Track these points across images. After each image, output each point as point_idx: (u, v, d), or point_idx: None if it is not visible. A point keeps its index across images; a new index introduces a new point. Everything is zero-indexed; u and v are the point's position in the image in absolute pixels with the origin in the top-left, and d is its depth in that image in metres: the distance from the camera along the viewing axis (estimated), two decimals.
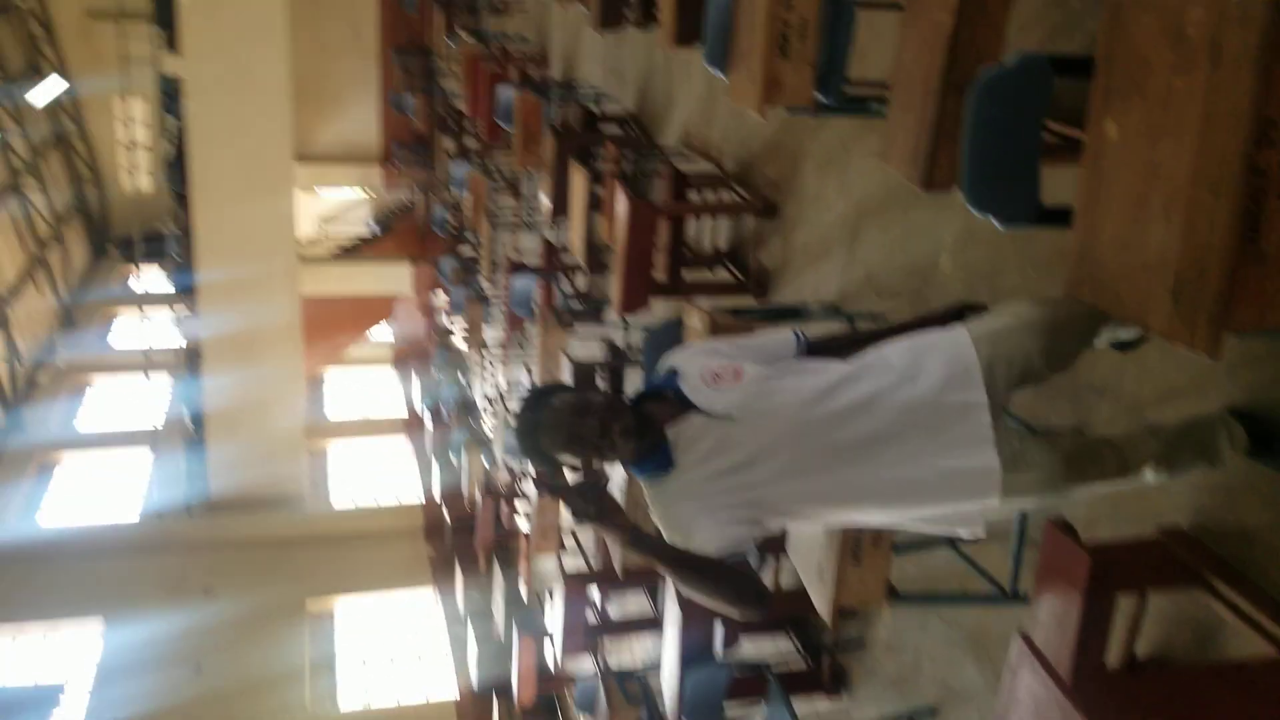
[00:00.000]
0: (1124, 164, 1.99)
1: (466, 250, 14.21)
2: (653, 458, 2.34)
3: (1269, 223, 1.80)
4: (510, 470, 11.78)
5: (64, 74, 21.79)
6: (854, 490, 2.32)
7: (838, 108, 3.88)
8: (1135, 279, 1.96)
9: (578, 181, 6.63)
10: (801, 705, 4.76)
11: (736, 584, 2.26)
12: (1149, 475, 2.51)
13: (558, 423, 2.29)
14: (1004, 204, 2.48)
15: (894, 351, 2.40)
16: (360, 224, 22.15)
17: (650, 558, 2.23)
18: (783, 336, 2.53)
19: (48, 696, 12.49)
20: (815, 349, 2.52)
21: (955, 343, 2.38)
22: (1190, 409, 2.81)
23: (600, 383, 7.07)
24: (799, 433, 2.29)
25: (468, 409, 14.10)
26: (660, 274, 6.04)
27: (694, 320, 4.66)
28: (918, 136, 2.81)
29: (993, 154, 2.45)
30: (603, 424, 2.27)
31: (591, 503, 2.18)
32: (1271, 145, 1.77)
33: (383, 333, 22.13)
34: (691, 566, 2.25)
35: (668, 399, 2.39)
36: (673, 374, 2.44)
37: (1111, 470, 2.47)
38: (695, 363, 2.42)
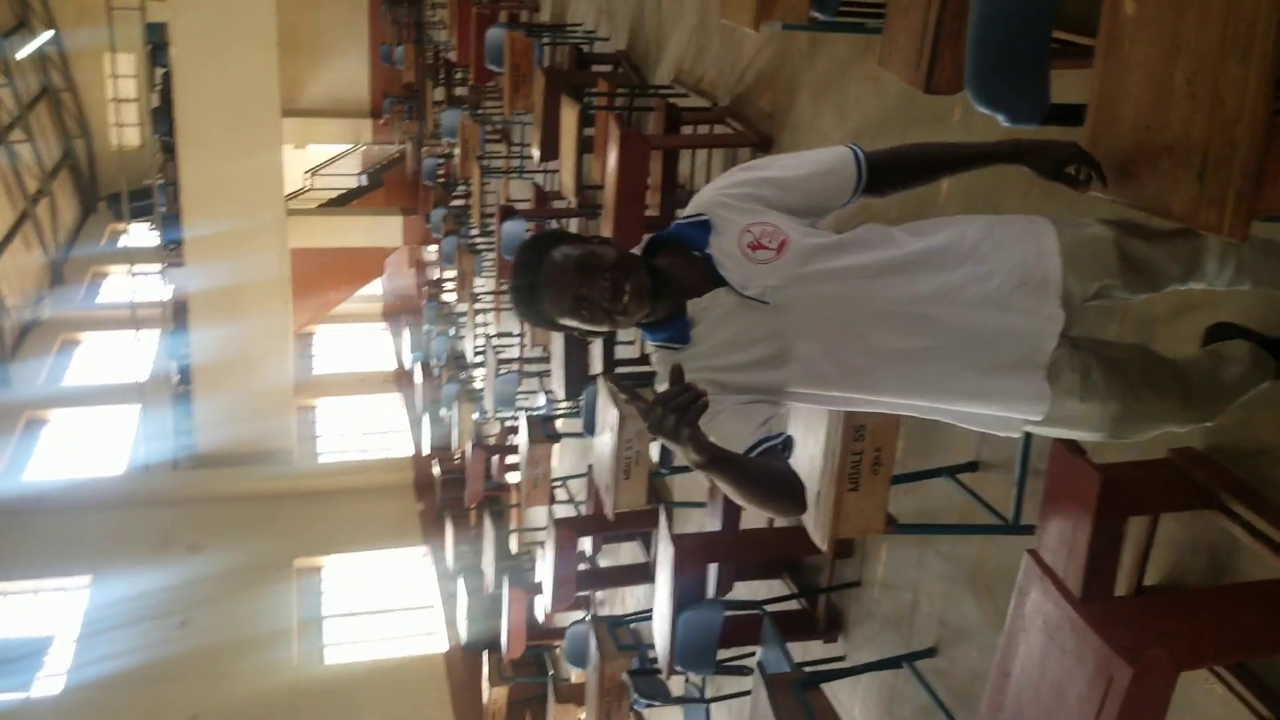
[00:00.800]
0: (1143, 41, 1.85)
1: (457, 201, 14.03)
2: (667, 325, 2.04)
3: None
4: (502, 422, 11.68)
5: (52, 27, 21.49)
6: (889, 391, 2.08)
7: (834, 24, 3.72)
8: (1156, 163, 1.82)
9: (569, 119, 6.45)
10: (797, 650, 4.67)
11: (794, 487, 2.00)
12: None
13: (562, 282, 1.92)
14: (1012, 100, 2.31)
15: (970, 234, 2.08)
16: (350, 176, 21.94)
17: (721, 475, 1.88)
18: (841, 167, 2.09)
19: (36, 649, 12.41)
20: (877, 170, 2.11)
21: (1040, 245, 2.08)
22: (1204, 321, 2.67)
23: None
24: (842, 333, 2.01)
25: (458, 362, 13.96)
26: (653, 212, 5.91)
27: None
28: (920, 36, 2.65)
29: (1000, 45, 2.29)
30: (615, 285, 1.92)
31: (687, 424, 1.75)
32: None
33: (372, 289, 21.98)
34: (757, 480, 1.95)
35: (693, 258, 2.03)
36: (703, 225, 2.04)
37: (1165, 415, 2.23)
38: (732, 218, 2.03)
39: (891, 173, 2.15)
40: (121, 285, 20.07)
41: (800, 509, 2.01)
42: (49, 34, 21.10)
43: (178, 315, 16.86)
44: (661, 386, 1.99)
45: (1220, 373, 2.36)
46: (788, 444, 2.05)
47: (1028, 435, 3.08)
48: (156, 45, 17.18)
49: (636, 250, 2.08)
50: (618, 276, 1.92)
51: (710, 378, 2.00)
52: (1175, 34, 1.77)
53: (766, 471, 1.99)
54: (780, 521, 5.25)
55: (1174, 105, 1.78)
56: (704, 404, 1.76)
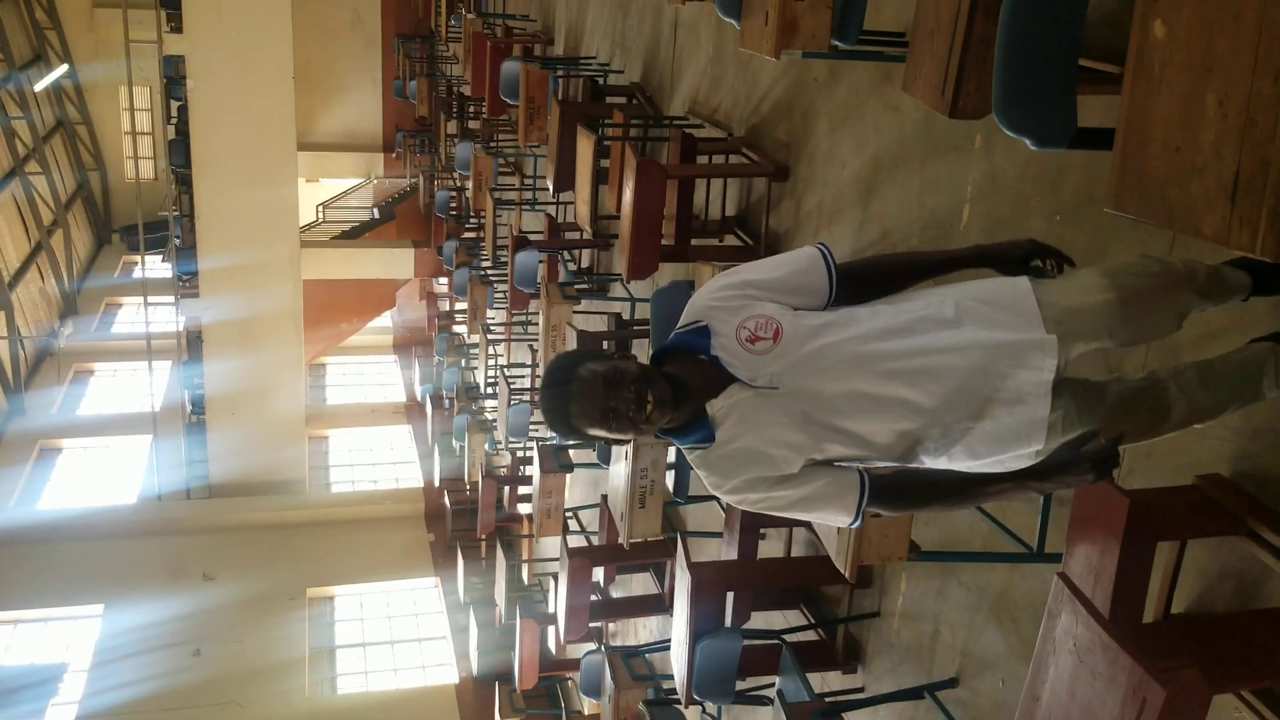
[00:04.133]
0: (1174, 64, 1.86)
1: (469, 233, 14.09)
2: (690, 429, 2.17)
3: None
4: (513, 453, 11.66)
5: (69, 61, 21.72)
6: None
7: (855, 53, 3.75)
8: (1187, 185, 1.82)
9: (584, 150, 6.48)
10: (815, 681, 4.63)
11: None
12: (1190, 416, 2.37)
13: (590, 395, 2.06)
14: (1039, 124, 2.34)
15: (948, 306, 2.18)
16: (362, 210, 22.06)
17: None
18: (812, 266, 2.20)
19: (50, 676, 12.37)
20: (853, 279, 2.24)
21: (1026, 317, 2.17)
22: (1228, 347, 2.67)
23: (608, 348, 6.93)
24: (854, 397, 2.14)
25: (470, 393, 13.98)
26: (669, 241, 5.93)
27: (705, 279, 4.53)
28: (945, 61, 2.67)
29: (1028, 69, 2.31)
30: (639, 395, 2.05)
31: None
32: None
33: (383, 321, 22.04)
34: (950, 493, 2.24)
35: (700, 361, 2.16)
36: (702, 331, 2.17)
37: (1146, 423, 2.36)
38: (727, 319, 2.16)
39: (868, 282, 2.27)
40: (135, 316, 20.17)
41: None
42: (64, 67, 21.32)
43: (191, 346, 16.91)
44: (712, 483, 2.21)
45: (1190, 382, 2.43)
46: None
47: None
48: (173, 78, 17.34)
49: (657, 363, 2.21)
50: (641, 388, 2.06)
51: (743, 454, 2.15)
52: (1206, 56, 1.77)
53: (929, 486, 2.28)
54: (798, 550, 5.24)
55: (1205, 127, 1.78)
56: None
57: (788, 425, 2.12)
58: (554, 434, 2.19)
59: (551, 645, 9.83)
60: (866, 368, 2.11)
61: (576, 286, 8.42)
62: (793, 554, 5.27)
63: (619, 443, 2.25)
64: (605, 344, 6.86)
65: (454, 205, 14.81)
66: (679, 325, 2.23)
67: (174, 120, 17.92)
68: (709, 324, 2.17)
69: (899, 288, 2.30)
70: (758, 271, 2.23)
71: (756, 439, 2.13)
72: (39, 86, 19.86)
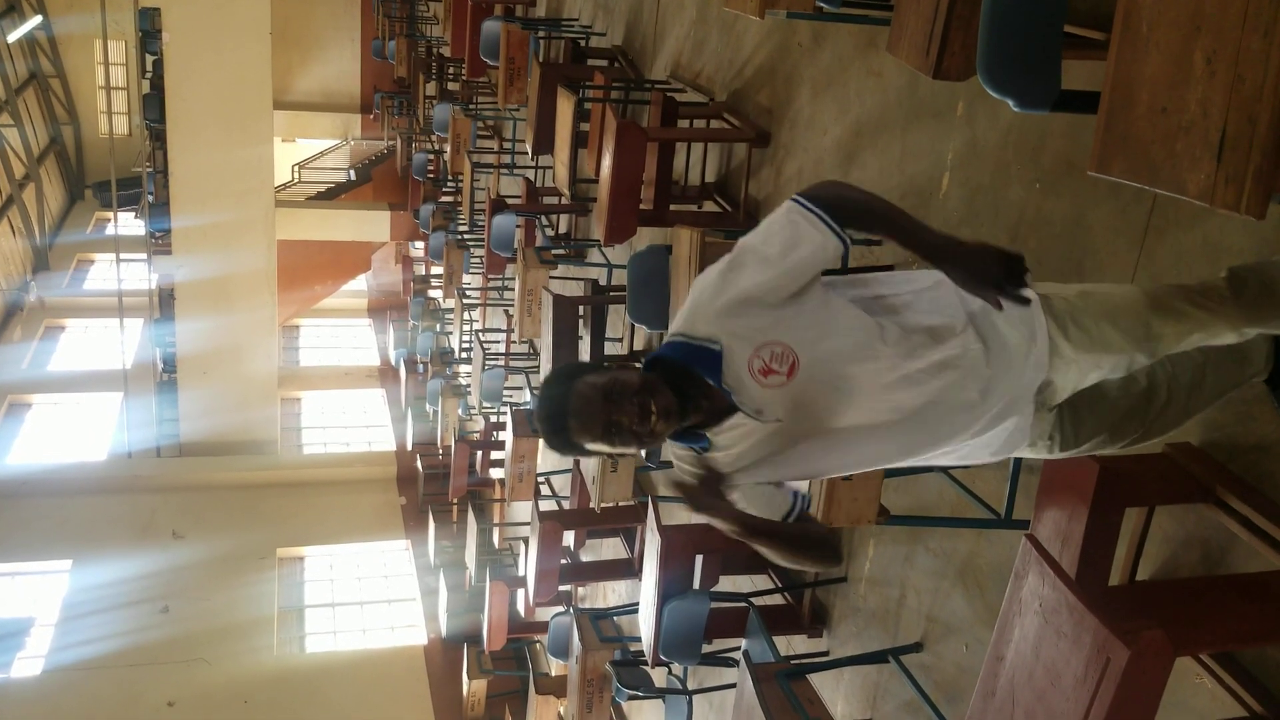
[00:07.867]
0: (1162, 22, 1.84)
1: (447, 196, 14.00)
2: (689, 437, 2.09)
3: None
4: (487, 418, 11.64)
5: (43, 12, 21.39)
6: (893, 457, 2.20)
7: (839, 15, 3.71)
8: (1173, 144, 1.81)
9: (564, 112, 6.42)
10: (780, 644, 4.65)
11: (823, 546, 2.19)
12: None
13: (589, 410, 1.96)
14: (1023, 85, 2.32)
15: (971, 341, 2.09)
16: (338, 171, 21.88)
17: (759, 542, 2.05)
18: (808, 239, 2.00)
19: (17, 630, 12.32)
20: (841, 220, 2.02)
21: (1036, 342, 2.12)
22: None
23: (581, 321, 6.90)
24: (847, 432, 2.10)
25: (444, 357, 13.93)
26: (647, 206, 5.89)
27: (683, 243, 4.51)
28: (930, 21, 2.65)
29: (1014, 30, 2.29)
30: (642, 407, 1.95)
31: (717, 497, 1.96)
32: None
33: (357, 284, 21.93)
34: (791, 543, 2.13)
35: (704, 382, 2.02)
36: (715, 356, 2.01)
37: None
38: (742, 345, 2.00)
39: (856, 222, 2.07)
40: (107, 272, 19.97)
41: (837, 560, 2.18)
42: (38, 19, 21.00)
43: (164, 304, 16.76)
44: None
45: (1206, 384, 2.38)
46: (806, 501, 2.24)
47: None
48: (148, 32, 17.08)
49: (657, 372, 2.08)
50: (644, 399, 1.95)
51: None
52: (1196, 14, 1.76)
53: (799, 534, 2.16)
54: None
55: (1192, 85, 1.77)
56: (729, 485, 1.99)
57: (777, 441, 2.06)
58: (554, 451, 2.10)
59: (520, 608, 9.85)
60: (879, 408, 2.07)
61: (554, 251, 8.38)
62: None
63: (622, 456, 2.14)
64: (581, 309, 6.82)
65: (431, 168, 14.70)
66: (684, 330, 2.05)
67: (149, 75, 17.68)
68: (724, 347, 2.01)
69: (879, 235, 2.16)
70: (759, 273, 2.01)
71: (744, 449, 2.07)
72: (12, 38, 19.55)
